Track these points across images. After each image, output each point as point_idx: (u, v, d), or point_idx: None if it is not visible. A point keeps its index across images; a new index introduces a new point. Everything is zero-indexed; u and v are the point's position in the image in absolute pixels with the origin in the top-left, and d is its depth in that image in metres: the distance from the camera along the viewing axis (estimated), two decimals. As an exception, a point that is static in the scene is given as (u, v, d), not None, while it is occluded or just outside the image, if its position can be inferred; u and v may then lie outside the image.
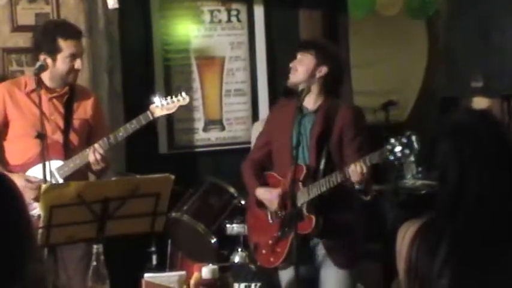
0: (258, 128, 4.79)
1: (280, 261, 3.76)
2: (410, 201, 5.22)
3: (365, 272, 4.21)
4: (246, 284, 4.13)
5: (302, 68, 3.73)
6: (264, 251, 3.83)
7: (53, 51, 3.72)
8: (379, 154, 3.44)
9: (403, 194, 5.33)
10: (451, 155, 1.94)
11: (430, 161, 2.03)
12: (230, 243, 4.57)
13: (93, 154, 3.69)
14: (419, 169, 5.42)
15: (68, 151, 3.79)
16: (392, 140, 3.36)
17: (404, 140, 3.35)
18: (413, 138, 3.33)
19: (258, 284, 4.12)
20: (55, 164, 3.68)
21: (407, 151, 3.34)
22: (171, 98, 3.82)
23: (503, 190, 1.90)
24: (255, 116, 5.57)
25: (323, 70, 3.72)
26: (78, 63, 3.75)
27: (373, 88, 6.15)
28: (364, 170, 3.44)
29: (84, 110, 3.89)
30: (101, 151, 3.69)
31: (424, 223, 1.97)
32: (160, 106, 3.77)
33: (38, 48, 3.78)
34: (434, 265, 1.89)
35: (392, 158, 3.38)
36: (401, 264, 1.98)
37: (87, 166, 3.78)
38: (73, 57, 3.73)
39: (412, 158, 3.35)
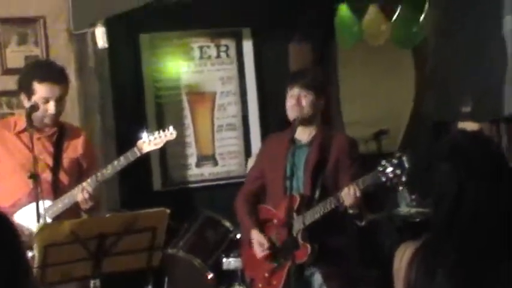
0: (253, 162, 4.79)
1: (278, 294, 3.73)
2: (406, 227, 5.21)
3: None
4: (245, 317, 4.10)
5: (307, 103, 3.71)
6: (260, 285, 3.81)
7: (29, 93, 3.69)
8: (371, 176, 3.48)
9: (398, 221, 5.32)
10: (448, 176, 1.95)
11: (424, 186, 2.04)
12: (228, 278, 4.53)
13: (81, 193, 3.65)
14: (413, 197, 5.42)
15: (57, 190, 3.74)
16: (384, 162, 3.43)
17: (395, 161, 3.41)
18: (404, 158, 3.40)
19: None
20: (44, 204, 3.63)
21: (398, 171, 3.41)
22: (158, 133, 3.81)
23: (500, 206, 1.90)
24: (247, 150, 5.58)
25: (322, 103, 3.77)
26: (51, 107, 3.67)
27: (363, 118, 6.16)
28: (358, 193, 3.45)
29: (74, 148, 3.86)
30: (89, 189, 3.64)
31: (422, 244, 1.97)
32: (148, 141, 3.74)
33: (19, 88, 3.78)
34: (433, 286, 1.89)
35: (384, 179, 3.43)
36: (399, 286, 1.98)
37: (77, 205, 3.74)
38: (45, 100, 3.67)
39: (403, 178, 3.41)
